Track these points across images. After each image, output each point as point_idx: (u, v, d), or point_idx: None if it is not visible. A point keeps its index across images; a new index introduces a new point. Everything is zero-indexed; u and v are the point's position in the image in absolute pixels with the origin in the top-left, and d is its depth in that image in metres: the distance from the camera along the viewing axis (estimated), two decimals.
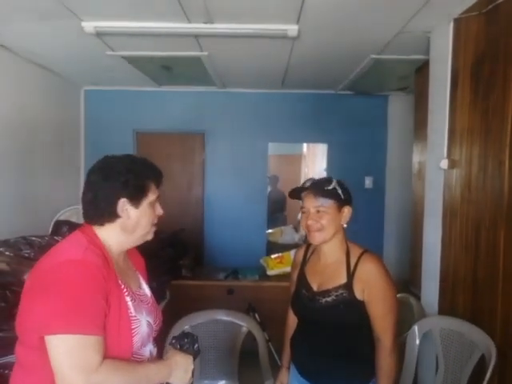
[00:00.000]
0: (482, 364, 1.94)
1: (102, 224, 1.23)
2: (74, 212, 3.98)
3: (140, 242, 1.30)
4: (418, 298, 2.73)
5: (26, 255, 2.38)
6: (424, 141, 2.86)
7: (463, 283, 2.23)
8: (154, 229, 1.31)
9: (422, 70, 3.20)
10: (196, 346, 1.31)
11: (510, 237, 1.85)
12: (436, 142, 2.52)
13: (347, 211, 1.57)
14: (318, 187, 1.55)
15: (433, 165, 2.55)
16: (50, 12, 2.37)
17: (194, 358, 1.31)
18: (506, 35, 1.87)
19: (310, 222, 1.54)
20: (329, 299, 1.53)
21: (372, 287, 1.49)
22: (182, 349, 1.30)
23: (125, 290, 1.23)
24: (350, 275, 1.52)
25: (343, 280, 1.53)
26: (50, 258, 1.17)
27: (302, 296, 1.62)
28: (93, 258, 1.15)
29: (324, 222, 1.52)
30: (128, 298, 1.22)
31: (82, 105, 4.59)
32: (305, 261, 1.70)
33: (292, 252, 3.66)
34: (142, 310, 1.28)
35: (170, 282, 3.23)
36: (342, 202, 1.55)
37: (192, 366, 1.29)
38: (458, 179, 2.29)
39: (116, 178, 1.19)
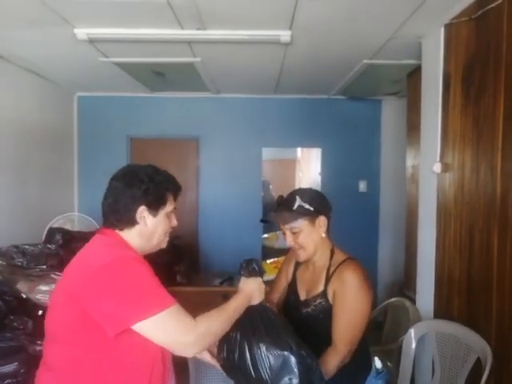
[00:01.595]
0: (478, 367, 1.94)
1: (121, 229, 1.28)
2: (67, 219, 3.95)
3: (155, 250, 1.36)
4: (413, 301, 2.73)
5: (19, 264, 2.35)
6: (417, 145, 2.88)
7: (458, 286, 2.24)
8: (167, 238, 1.37)
9: (414, 74, 3.22)
10: (261, 267, 1.44)
11: (504, 239, 1.86)
12: (429, 145, 2.54)
13: (322, 222, 1.53)
14: (282, 212, 1.52)
15: (426, 168, 2.56)
16: (43, 19, 2.37)
17: (261, 277, 1.43)
18: (496, 41, 1.90)
19: (290, 244, 1.56)
20: (309, 309, 1.52)
21: (339, 296, 1.46)
22: (250, 274, 1.42)
23: None
24: (326, 282, 1.51)
25: (321, 288, 1.52)
26: (90, 262, 1.20)
27: (291, 303, 1.61)
28: (133, 254, 1.22)
29: (301, 241, 1.52)
30: None
31: (76, 111, 4.57)
32: (297, 264, 1.69)
33: None
34: None
35: (165, 288, 3.21)
36: (312, 215, 1.51)
37: (263, 286, 1.41)
38: (451, 183, 2.30)
39: (138, 186, 1.26)
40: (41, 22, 2.43)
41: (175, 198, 1.36)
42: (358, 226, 4.48)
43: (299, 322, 1.50)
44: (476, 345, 1.96)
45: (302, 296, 1.58)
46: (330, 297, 1.49)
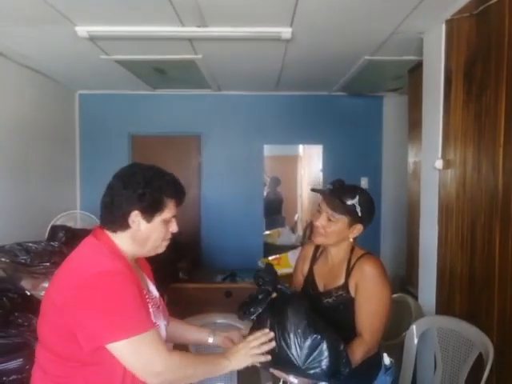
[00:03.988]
0: (479, 362, 1.95)
1: (114, 231, 1.24)
2: (70, 217, 3.97)
3: (151, 254, 1.32)
4: (416, 297, 2.74)
5: (23, 261, 2.37)
6: (419, 141, 2.88)
7: (460, 282, 2.25)
8: (165, 243, 1.32)
9: (415, 70, 3.21)
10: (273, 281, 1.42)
11: (505, 235, 1.86)
12: (430, 142, 2.53)
13: (357, 229, 1.54)
14: (338, 198, 1.50)
15: (428, 165, 2.56)
16: (43, 17, 2.37)
17: (273, 291, 1.39)
18: (497, 36, 1.89)
19: (316, 224, 1.55)
20: (330, 300, 1.55)
21: (360, 287, 1.49)
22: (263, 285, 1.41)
23: (147, 296, 1.28)
24: (347, 275, 1.54)
25: (342, 281, 1.55)
26: (78, 270, 1.17)
27: (308, 295, 1.62)
28: (121, 266, 1.18)
29: (329, 231, 1.53)
30: (149, 305, 1.26)
31: (77, 109, 4.58)
32: (314, 259, 1.70)
33: (290, 253, 3.66)
34: (160, 315, 1.33)
35: (167, 285, 3.23)
36: (356, 220, 1.52)
37: (251, 356, 1.30)
38: (452, 179, 2.30)
39: (134, 189, 1.20)
40: (41, 20, 2.43)
41: (178, 204, 1.28)
42: None
43: (318, 312, 1.52)
44: (478, 340, 1.96)
45: (321, 288, 1.61)
46: (351, 289, 1.52)
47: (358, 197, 1.50)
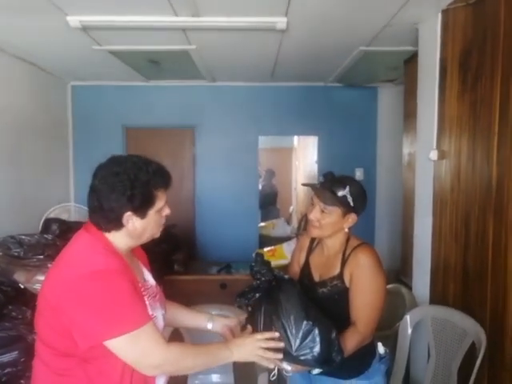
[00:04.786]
0: (472, 351, 1.97)
1: (108, 231, 1.22)
2: (63, 209, 3.95)
3: (148, 240, 1.31)
4: (410, 287, 2.76)
5: (16, 254, 2.35)
6: (413, 132, 2.88)
7: (454, 272, 2.26)
8: (161, 228, 1.31)
9: (410, 61, 3.21)
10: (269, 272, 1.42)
11: (499, 226, 1.87)
12: (425, 133, 2.53)
13: (351, 219, 1.55)
14: (329, 190, 1.52)
15: (422, 156, 2.56)
16: (35, 7, 2.33)
17: (271, 283, 1.40)
18: (493, 26, 1.89)
19: (311, 217, 1.57)
20: (325, 290, 1.56)
21: (355, 277, 1.50)
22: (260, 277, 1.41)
23: (142, 289, 1.27)
24: (342, 265, 1.55)
25: (337, 271, 1.56)
26: (71, 268, 1.15)
27: (304, 285, 1.63)
28: (114, 264, 1.17)
29: (323, 223, 1.54)
30: (145, 298, 1.26)
31: (70, 100, 4.52)
32: (310, 249, 1.72)
33: (285, 245, 3.67)
34: (157, 305, 1.32)
35: (162, 277, 3.22)
36: (349, 209, 1.53)
37: (258, 347, 1.28)
38: (447, 170, 2.31)
39: (122, 192, 1.16)
40: (32, 10, 2.38)
41: (167, 189, 1.27)
42: None
43: (313, 302, 1.53)
44: (471, 329, 1.99)
45: (316, 278, 1.62)
46: (346, 279, 1.53)
47: (348, 187, 1.51)
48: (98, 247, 1.19)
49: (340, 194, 1.51)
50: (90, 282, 1.10)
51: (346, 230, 1.58)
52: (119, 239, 1.23)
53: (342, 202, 1.51)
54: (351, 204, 1.51)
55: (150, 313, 1.24)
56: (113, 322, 1.10)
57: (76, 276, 1.12)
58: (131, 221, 1.20)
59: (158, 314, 1.31)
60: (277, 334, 1.31)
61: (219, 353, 1.26)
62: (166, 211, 1.29)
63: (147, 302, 1.25)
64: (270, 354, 1.28)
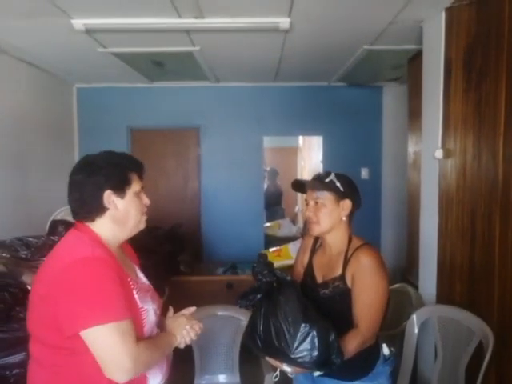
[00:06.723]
0: (479, 350, 1.96)
1: (92, 220, 1.26)
2: (69, 211, 3.96)
3: (134, 232, 1.34)
4: (416, 287, 2.74)
5: (23, 256, 2.37)
6: (418, 131, 2.86)
7: (460, 271, 2.25)
8: (144, 217, 1.35)
9: (414, 59, 3.19)
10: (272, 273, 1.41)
11: (505, 224, 1.86)
12: (430, 131, 2.52)
13: (346, 205, 1.56)
14: (316, 180, 1.58)
15: (428, 155, 2.55)
16: (39, 10, 2.35)
17: (272, 285, 1.39)
18: (497, 24, 1.87)
19: (308, 214, 1.58)
20: (327, 291, 1.56)
21: (357, 278, 1.49)
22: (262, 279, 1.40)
23: (131, 282, 1.28)
24: (344, 266, 1.54)
25: (339, 272, 1.55)
26: (58, 259, 1.20)
27: (307, 286, 1.63)
28: (100, 253, 1.20)
29: (320, 215, 1.55)
30: (134, 291, 1.27)
31: (75, 103, 4.55)
32: (314, 250, 1.72)
33: (290, 245, 3.67)
34: (148, 299, 1.33)
35: (168, 278, 3.23)
36: (340, 195, 1.55)
37: (184, 323, 1.39)
38: (453, 168, 2.30)
39: (98, 173, 1.23)
40: (37, 13, 2.40)
41: (140, 177, 1.33)
42: (360, 212, 4.45)
43: (315, 303, 1.53)
44: (478, 328, 1.98)
45: (319, 279, 1.62)
46: (348, 280, 1.52)
47: (333, 174, 1.57)
48: (85, 239, 1.23)
49: (327, 180, 1.55)
50: (75, 268, 1.14)
51: (344, 218, 1.57)
52: (105, 227, 1.27)
53: (332, 186, 1.54)
54: (341, 189, 1.54)
55: (140, 306, 1.26)
56: (95, 310, 1.12)
57: (62, 264, 1.16)
58: (112, 201, 1.25)
59: (149, 307, 1.31)
60: (201, 325, 1.41)
61: (170, 340, 1.33)
62: (146, 200, 1.34)
63: (136, 296, 1.26)
64: (193, 335, 1.38)
